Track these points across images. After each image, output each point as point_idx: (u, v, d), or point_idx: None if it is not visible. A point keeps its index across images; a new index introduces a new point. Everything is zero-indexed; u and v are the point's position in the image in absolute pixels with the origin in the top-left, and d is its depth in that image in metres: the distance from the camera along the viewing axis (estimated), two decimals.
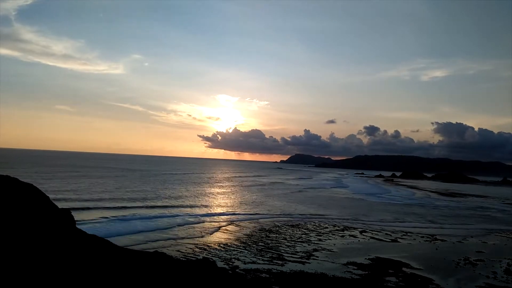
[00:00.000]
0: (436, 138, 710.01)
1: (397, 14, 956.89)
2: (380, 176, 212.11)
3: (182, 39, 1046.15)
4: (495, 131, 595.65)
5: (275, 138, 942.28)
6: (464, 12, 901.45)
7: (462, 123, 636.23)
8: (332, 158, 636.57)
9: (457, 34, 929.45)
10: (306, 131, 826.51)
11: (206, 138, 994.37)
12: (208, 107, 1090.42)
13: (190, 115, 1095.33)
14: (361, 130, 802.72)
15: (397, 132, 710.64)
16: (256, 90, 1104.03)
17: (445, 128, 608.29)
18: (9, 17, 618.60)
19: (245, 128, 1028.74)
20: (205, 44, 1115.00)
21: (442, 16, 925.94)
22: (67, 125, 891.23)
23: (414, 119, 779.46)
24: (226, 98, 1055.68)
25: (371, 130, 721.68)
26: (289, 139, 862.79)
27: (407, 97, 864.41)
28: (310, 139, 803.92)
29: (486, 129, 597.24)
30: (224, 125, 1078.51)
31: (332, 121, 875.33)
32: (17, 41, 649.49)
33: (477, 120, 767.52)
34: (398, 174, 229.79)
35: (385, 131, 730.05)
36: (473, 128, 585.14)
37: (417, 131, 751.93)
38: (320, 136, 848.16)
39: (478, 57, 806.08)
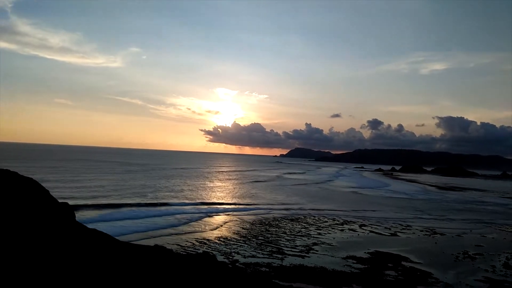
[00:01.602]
0: (439, 132, 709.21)
1: (396, 7, 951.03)
2: (379, 170, 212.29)
3: (180, 32, 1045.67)
4: (497, 125, 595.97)
5: (276, 132, 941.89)
6: (463, 4, 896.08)
7: (463, 117, 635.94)
8: (332, 152, 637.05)
9: (457, 27, 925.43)
10: (308, 125, 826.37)
11: (208, 132, 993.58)
12: (207, 101, 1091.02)
13: (189, 109, 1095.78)
14: (364, 124, 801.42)
15: (400, 126, 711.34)
16: (255, 84, 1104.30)
17: (448, 122, 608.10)
18: (6, 9, 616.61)
19: (244, 121, 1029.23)
20: (203, 38, 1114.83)
21: (441, 9, 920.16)
22: (67, 119, 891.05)
23: (417, 113, 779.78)
24: (225, 92, 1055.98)
25: (375, 124, 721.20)
26: (291, 133, 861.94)
27: (409, 90, 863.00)
28: (312, 133, 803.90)
29: (488, 123, 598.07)
30: (224, 118, 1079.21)
31: (337, 115, 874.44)
32: (14, 34, 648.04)
33: (477, 114, 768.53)
34: (397, 168, 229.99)
35: (389, 125, 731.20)
36: (475, 122, 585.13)
37: (422, 125, 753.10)
38: (322, 130, 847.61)
39: (478, 50, 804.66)
